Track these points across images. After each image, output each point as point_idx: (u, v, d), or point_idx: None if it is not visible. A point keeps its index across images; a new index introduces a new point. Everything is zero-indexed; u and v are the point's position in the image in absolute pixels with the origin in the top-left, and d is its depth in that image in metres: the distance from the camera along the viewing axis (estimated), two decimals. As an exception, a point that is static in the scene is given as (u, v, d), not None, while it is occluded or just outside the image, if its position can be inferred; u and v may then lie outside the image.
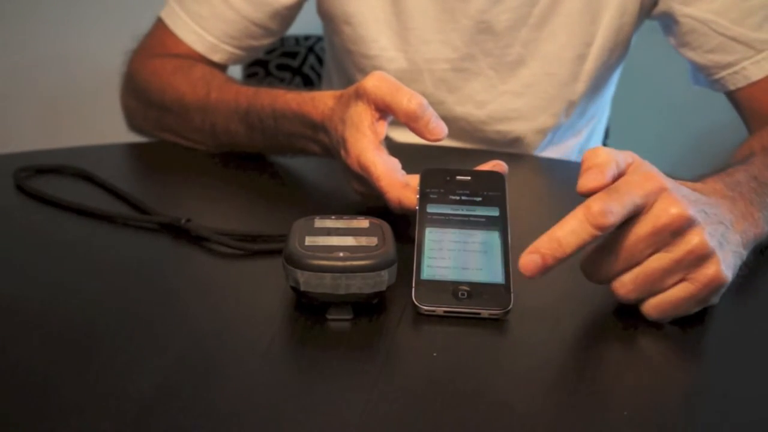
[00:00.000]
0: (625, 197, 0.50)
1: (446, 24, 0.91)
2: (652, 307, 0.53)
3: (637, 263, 0.52)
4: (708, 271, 0.51)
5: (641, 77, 1.52)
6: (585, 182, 0.51)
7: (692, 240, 0.50)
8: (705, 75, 0.89)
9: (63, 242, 0.64)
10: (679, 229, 0.50)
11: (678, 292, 0.52)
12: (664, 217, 0.50)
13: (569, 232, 0.49)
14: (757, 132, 0.83)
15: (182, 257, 0.62)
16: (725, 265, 0.52)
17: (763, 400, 0.47)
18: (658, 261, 0.51)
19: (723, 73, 0.87)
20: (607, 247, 0.52)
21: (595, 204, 0.49)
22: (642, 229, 0.50)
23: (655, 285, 0.52)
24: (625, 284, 0.52)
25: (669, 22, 0.90)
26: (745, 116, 0.88)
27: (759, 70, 0.84)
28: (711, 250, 0.51)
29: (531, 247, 0.50)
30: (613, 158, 0.52)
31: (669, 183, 0.51)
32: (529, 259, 0.50)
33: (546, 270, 0.50)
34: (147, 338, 0.50)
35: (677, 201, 0.50)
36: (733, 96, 0.88)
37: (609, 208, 0.49)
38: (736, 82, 0.86)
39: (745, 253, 0.56)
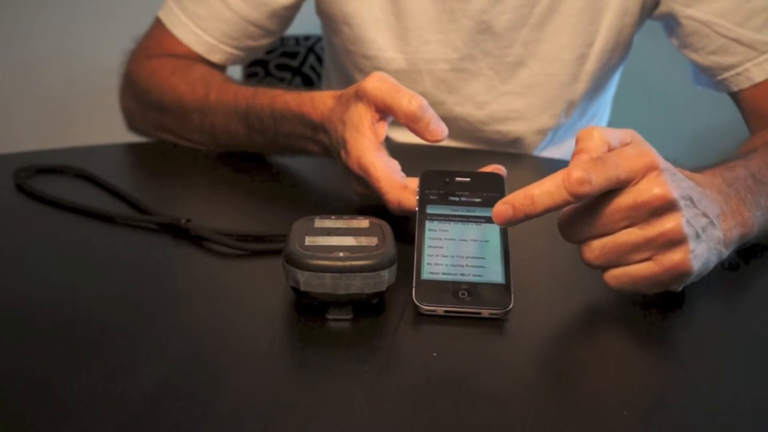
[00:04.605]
0: (610, 170, 0.50)
1: (446, 24, 0.91)
2: (612, 276, 0.53)
3: (610, 232, 0.52)
4: (675, 257, 0.51)
5: (641, 77, 1.52)
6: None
7: (667, 223, 0.51)
8: (707, 76, 0.89)
9: (63, 242, 0.64)
10: (658, 209, 0.51)
11: (641, 269, 0.52)
12: (645, 194, 0.50)
13: (545, 192, 0.51)
14: (759, 131, 0.83)
15: (182, 257, 0.62)
16: (694, 255, 0.52)
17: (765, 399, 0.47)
18: (629, 235, 0.52)
19: (725, 75, 0.86)
20: (586, 209, 0.52)
21: (575, 171, 0.50)
22: (622, 201, 0.51)
23: (621, 257, 0.52)
24: (593, 250, 0.53)
25: (671, 23, 0.90)
26: (747, 117, 0.88)
27: (762, 71, 0.84)
28: (683, 237, 0.51)
29: (506, 198, 0.52)
30: (607, 140, 0.53)
31: (663, 164, 0.52)
32: (501, 209, 0.52)
33: (514, 222, 0.52)
34: (147, 338, 0.50)
35: (664, 182, 0.51)
36: (735, 97, 0.88)
37: (588, 178, 0.50)
38: (739, 84, 0.86)
39: (725, 251, 0.56)
